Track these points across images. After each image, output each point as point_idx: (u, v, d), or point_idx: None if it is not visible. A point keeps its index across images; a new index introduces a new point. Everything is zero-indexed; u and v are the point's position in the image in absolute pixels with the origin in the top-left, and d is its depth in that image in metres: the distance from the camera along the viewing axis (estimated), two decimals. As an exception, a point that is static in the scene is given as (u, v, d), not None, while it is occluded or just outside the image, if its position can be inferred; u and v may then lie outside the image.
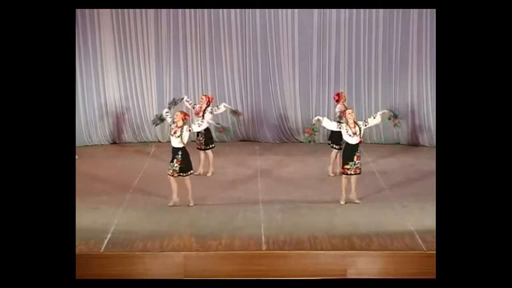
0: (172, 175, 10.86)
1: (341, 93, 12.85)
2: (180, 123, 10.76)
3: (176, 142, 10.79)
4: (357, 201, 11.08)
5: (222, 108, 12.74)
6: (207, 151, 12.66)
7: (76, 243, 9.22)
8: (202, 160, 12.73)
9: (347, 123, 10.94)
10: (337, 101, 12.62)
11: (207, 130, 12.40)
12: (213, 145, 12.74)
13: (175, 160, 10.82)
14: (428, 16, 14.47)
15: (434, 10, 14.31)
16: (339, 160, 12.13)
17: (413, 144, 15.05)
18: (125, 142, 15.31)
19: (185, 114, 10.90)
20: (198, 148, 12.64)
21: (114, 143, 15.25)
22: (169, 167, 10.87)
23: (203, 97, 12.68)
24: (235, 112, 13.06)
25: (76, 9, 14.12)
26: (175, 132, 10.77)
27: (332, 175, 12.64)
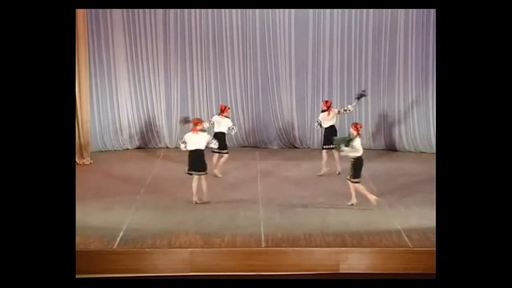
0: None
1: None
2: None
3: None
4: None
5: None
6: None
7: (91, 241, 9.29)
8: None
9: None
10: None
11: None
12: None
13: None
14: (414, 31, 14.51)
15: (420, 27, 14.47)
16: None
17: (399, 149, 15.02)
18: (136, 148, 15.26)
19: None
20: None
21: (126, 149, 15.21)
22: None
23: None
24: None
25: (90, 27, 14.18)
26: None
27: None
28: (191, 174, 11.14)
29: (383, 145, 15.14)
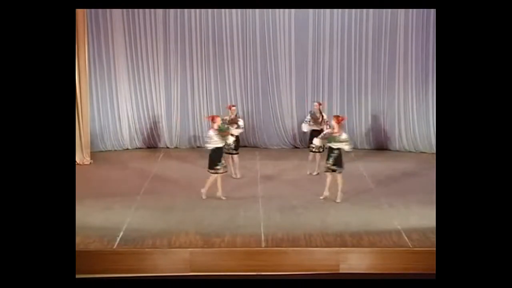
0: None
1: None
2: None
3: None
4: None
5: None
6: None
7: (91, 241, 9.28)
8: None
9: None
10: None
11: None
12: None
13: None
14: (414, 31, 14.53)
15: (420, 27, 14.47)
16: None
17: (399, 150, 15.04)
18: (136, 148, 15.26)
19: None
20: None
21: (126, 149, 15.21)
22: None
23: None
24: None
25: (90, 27, 14.17)
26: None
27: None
28: (224, 172, 11.32)
29: (383, 145, 15.14)
